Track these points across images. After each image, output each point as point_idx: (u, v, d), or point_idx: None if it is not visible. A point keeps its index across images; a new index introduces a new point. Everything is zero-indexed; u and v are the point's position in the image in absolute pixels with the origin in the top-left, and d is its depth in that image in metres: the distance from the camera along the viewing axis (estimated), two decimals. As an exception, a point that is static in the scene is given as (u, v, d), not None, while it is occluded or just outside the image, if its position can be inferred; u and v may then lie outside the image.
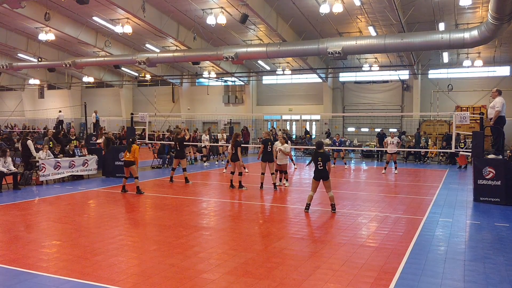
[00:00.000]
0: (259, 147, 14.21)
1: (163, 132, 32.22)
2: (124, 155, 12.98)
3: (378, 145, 22.98)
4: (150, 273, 6.00)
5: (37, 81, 38.21)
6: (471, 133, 14.19)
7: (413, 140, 24.25)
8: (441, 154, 22.70)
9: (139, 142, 15.19)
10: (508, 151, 18.18)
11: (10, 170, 13.07)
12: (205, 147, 21.48)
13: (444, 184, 14.95)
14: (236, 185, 13.48)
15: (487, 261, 6.69)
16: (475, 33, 14.51)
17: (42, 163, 13.96)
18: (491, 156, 11.83)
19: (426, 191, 13.42)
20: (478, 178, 11.57)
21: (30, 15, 21.63)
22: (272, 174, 13.50)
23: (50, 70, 29.82)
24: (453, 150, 14.73)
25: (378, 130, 27.46)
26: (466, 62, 24.63)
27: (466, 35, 14.88)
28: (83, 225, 8.88)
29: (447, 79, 26.70)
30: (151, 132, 29.23)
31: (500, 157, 11.72)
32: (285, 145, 13.61)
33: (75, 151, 15.68)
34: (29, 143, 14.47)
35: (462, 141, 20.43)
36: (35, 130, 35.09)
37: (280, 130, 26.93)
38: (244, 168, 17.76)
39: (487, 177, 11.42)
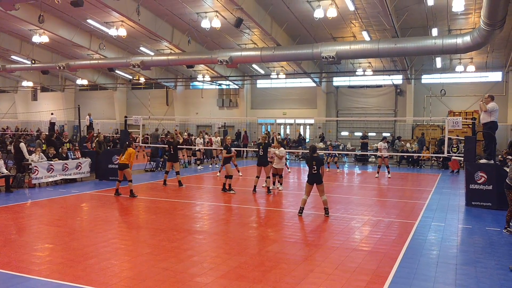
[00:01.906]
0: (254, 151, 14.32)
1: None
2: (119, 158, 12.94)
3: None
4: (143, 277, 5.98)
5: (30, 84, 37.96)
6: (463, 138, 14.31)
7: (415, 144, 24.36)
8: (434, 158, 22.83)
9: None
10: (499, 156, 18.31)
11: (2, 173, 13.00)
12: (199, 150, 21.47)
13: (437, 189, 15.04)
14: (227, 188, 13.46)
15: (479, 265, 6.75)
16: (467, 38, 14.66)
17: (35, 166, 13.89)
18: (483, 161, 11.95)
19: (418, 195, 13.50)
20: (470, 182, 11.67)
21: (24, 17, 21.52)
22: (267, 178, 13.54)
23: (43, 73, 29.65)
24: (445, 154, 14.85)
25: (371, 134, 27.60)
26: (459, 68, 24.84)
27: (459, 40, 15.03)
28: (76, 228, 8.84)
29: (440, 84, 26.89)
30: (145, 135, 29.14)
31: (492, 162, 11.83)
32: (281, 149, 13.66)
33: (68, 153, 15.62)
34: (22, 145, 14.38)
35: (454, 146, 20.57)
36: (28, 133, 34.84)
37: (276, 133, 27.00)
38: (238, 171, 17.79)
39: (479, 181, 11.52)
